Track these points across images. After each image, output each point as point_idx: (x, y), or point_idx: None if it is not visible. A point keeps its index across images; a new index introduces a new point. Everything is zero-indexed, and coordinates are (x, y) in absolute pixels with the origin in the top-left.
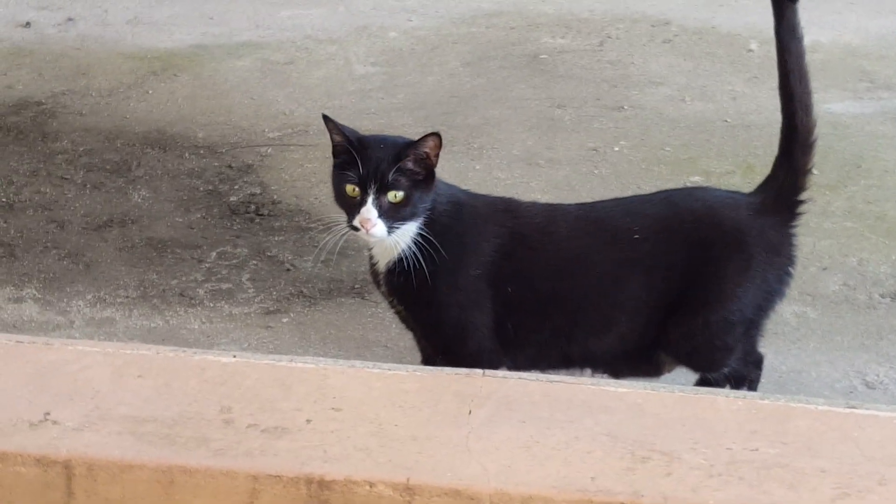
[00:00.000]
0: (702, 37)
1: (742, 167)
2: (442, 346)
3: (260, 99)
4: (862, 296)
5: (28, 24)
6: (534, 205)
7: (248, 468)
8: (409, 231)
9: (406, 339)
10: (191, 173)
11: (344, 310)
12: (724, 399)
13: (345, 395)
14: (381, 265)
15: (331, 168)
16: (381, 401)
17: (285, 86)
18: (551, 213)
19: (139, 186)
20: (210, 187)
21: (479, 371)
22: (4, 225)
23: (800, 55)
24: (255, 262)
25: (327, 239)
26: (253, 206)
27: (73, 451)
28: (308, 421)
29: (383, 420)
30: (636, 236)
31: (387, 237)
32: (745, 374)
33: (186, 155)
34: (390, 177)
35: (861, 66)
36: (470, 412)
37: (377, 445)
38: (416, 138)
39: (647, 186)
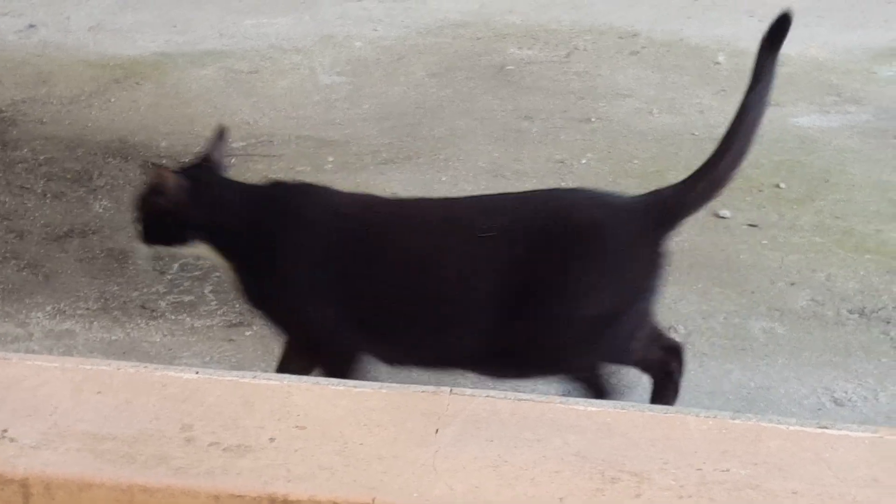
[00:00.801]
0: (670, 49)
1: None
2: (294, 346)
3: (223, 108)
4: (830, 311)
5: (31, 26)
6: (384, 200)
7: (210, 487)
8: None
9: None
10: None
11: None
12: (695, 418)
13: (309, 412)
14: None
15: None
16: (346, 419)
17: (249, 95)
18: (403, 208)
19: (100, 196)
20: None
21: (446, 389)
22: None
23: (759, 116)
24: (217, 274)
25: None
26: None
27: (31, 468)
28: (271, 439)
29: (348, 439)
30: (485, 233)
31: None
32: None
33: (149, 167)
34: None
35: (828, 80)
36: (437, 431)
37: (342, 464)
38: None
39: None
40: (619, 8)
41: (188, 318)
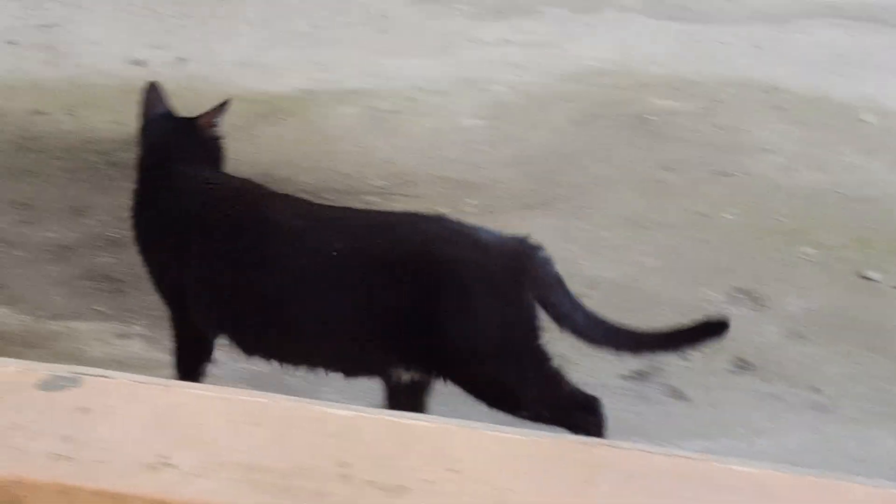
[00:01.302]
0: (813, 105)
1: (856, 241)
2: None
3: (366, 147)
4: None
5: (140, 62)
6: (267, 193)
7: None
8: None
9: None
10: None
11: None
12: (862, 487)
13: (463, 456)
14: None
15: None
16: (499, 465)
17: (391, 135)
18: (275, 204)
19: None
20: None
21: (600, 440)
22: (113, 261)
23: None
24: None
25: None
26: None
27: (191, 495)
28: (426, 481)
29: (502, 485)
30: (335, 252)
31: None
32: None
33: None
34: None
35: None
36: (591, 482)
37: None
38: None
39: (758, 255)
40: (760, 62)
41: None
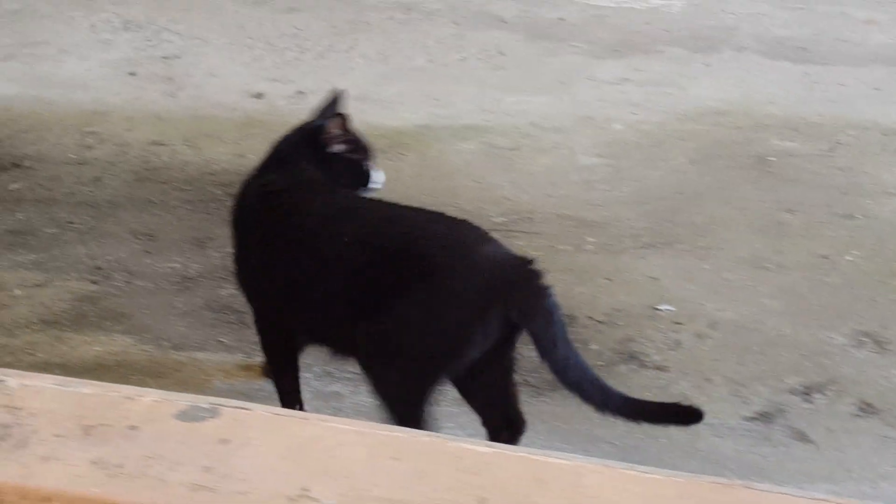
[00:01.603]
0: None
1: None
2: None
3: (484, 182)
4: None
5: (260, 95)
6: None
7: None
8: None
9: (633, 438)
10: None
11: (568, 403)
12: None
13: (600, 495)
14: None
15: None
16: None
17: (509, 171)
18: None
19: None
20: None
21: (738, 482)
22: (236, 292)
23: None
24: None
25: None
26: None
27: None
28: None
29: None
30: (346, 239)
31: None
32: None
33: None
34: None
35: None
36: None
37: None
38: None
39: (880, 298)
40: (881, 104)
41: (453, 389)
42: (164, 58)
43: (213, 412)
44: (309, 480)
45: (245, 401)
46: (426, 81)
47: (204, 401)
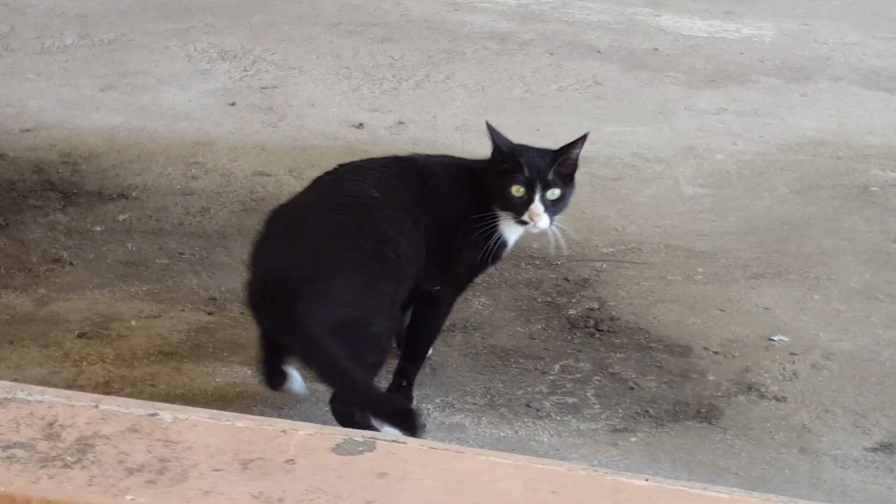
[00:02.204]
0: None
1: None
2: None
3: (591, 213)
4: None
5: (361, 125)
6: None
7: None
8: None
9: (757, 469)
10: (528, 283)
11: (691, 434)
12: None
13: None
14: (511, 242)
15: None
16: None
17: (615, 201)
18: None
19: (479, 294)
20: (548, 299)
21: None
22: None
23: None
24: (598, 377)
25: (487, 228)
26: (592, 321)
27: None
28: None
29: None
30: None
31: (547, 227)
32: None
33: (522, 265)
34: (550, 178)
35: None
36: None
37: None
38: (566, 143)
39: None
40: None
41: (573, 420)
42: (262, 88)
43: (368, 445)
44: None
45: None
46: (526, 111)
47: (358, 434)
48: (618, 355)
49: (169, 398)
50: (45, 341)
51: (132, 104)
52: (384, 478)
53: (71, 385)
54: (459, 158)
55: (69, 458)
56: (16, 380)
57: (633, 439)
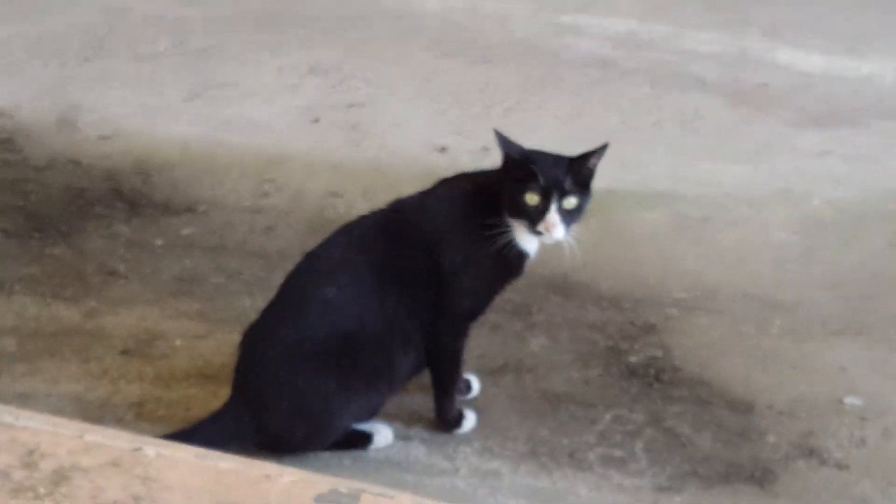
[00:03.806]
0: None
1: None
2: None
3: (669, 255)
4: None
5: (444, 148)
6: None
7: None
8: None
9: None
10: (592, 326)
11: (741, 498)
12: None
13: None
14: (532, 254)
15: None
16: None
17: (697, 244)
18: None
19: (537, 333)
20: (610, 343)
21: None
22: None
23: None
24: (650, 430)
25: (500, 241)
26: (653, 370)
27: None
28: None
29: None
30: None
31: (563, 238)
32: None
33: (588, 306)
34: (567, 186)
35: None
36: None
37: None
38: (583, 153)
39: None
40: None
41: (616, 475)
42: (349, 105)
43: (352, 498)
44: None
45: (401, 473)
46: (616, 144)
47: (344, 485)
48: (675, 408)
49: None
50: (86, 356)
51: (214, 115)
52: None
53: (104, 404)
54: (468, 175)
55: (42, 489)
56: (49, 395)
57: (676, 499)
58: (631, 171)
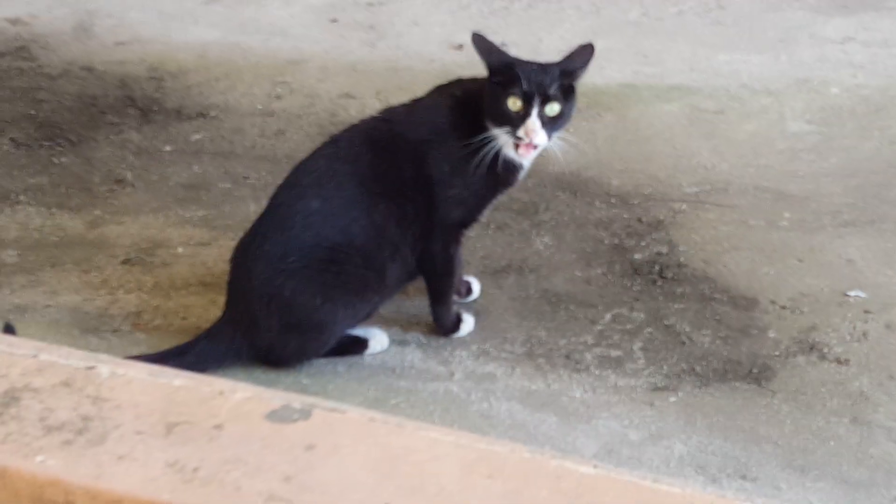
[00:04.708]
0: None
1: None
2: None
3: (682, 149)
4: None
5: (461, 46)
6: None
7: None
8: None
9: (799, 439)
10: (598, 223)
11: (737, 396)
12: None
13: None
14: (525, 165)
15: (488, 85)
16: None
17: (711, 137)
18: None
19: (543, 233)
20: (616, 241)
21: None
22: None
23: None
24: (649, 329)
25: (485, 151)
26: (657, 267)
27: None
28: None
29: None
30: None
31: (545, 144)
32: None
33: (597, 203)
34: (551, 92)
35: None
36: None
37: None
38: (565, 56)
39: None
40: None
41: (612, 375)
42: (368, 4)
43: (304, 413)
44: (394, 496)
45: (397, 379)
46: (637, 37)
47: (297, 400)
48: (676, 306)
49: (198, 332)
50: (87, 266)
51: (232, 19)
52: (311, 451)
53: (102, 314)
54: (461, 82)
55: None
56: (48, 306)
57: (672, 399)
58: (650, 65)
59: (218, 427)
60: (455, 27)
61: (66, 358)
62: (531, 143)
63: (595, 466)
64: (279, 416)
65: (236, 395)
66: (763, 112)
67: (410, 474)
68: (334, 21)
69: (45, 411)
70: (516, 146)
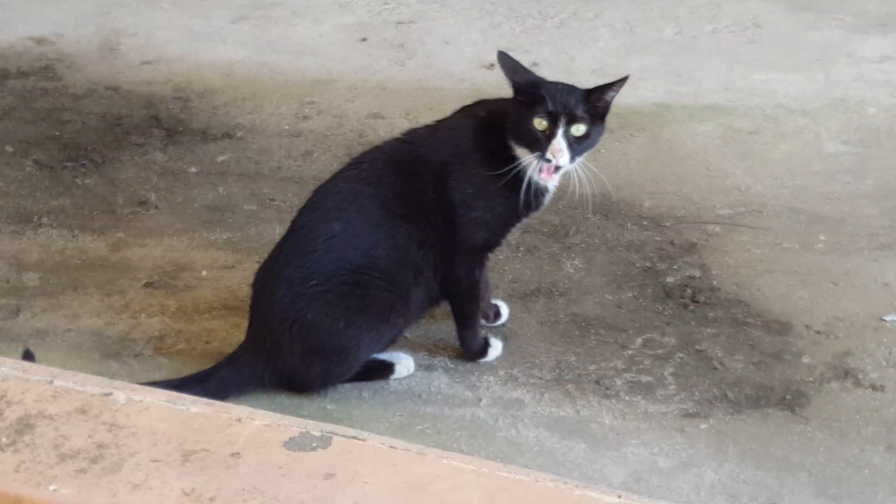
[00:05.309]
0: None
1: None
2: None
3: (716, 170)
4: None
5: (492, 65)
6: None
7: None
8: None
9: (833, 467)
10: (629, 246)
11: (769, 423)
12: None
13: None
14: (551, 189)
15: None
16: None
17: (745, 158)
18: None
19: (573, 255)
20: (647, 264)
21: None
22: None
23: None
24: (681, 354)
25: (511, 176)
26: (689, 291)
27: None
28: None
29: None
30: None
31: (568, 166)
32: None
33: (629, 225)
34: (577, 112)
35: None
36: None
37: None
38: (600, 85)
39: None
40: None
41: (642, 402)
42: (398, 23)
43: (323, 441)
44: None
45: (423, 406)
46: (671, 55)
47: (316, 427)
48: (708, 330)
49: (221, 357)
50: (109, 289)
51: (260, 37)
52: (330, 479)
53: (123, 338)
54: (485, 103)
55: (4, 439)
56: (69, 330)
57: (703, 426)
58: (684, 84)
59: (235, 455)
60: (486, 46)
61: (82, 384)
62: (553, 165)
63: (619, 496)
64: (298, 443)
65: (254, 422)
66: (799, 132)
67: (432, 503)
68: (364, 40)
69: (59, 438)
70: (539, 169)
